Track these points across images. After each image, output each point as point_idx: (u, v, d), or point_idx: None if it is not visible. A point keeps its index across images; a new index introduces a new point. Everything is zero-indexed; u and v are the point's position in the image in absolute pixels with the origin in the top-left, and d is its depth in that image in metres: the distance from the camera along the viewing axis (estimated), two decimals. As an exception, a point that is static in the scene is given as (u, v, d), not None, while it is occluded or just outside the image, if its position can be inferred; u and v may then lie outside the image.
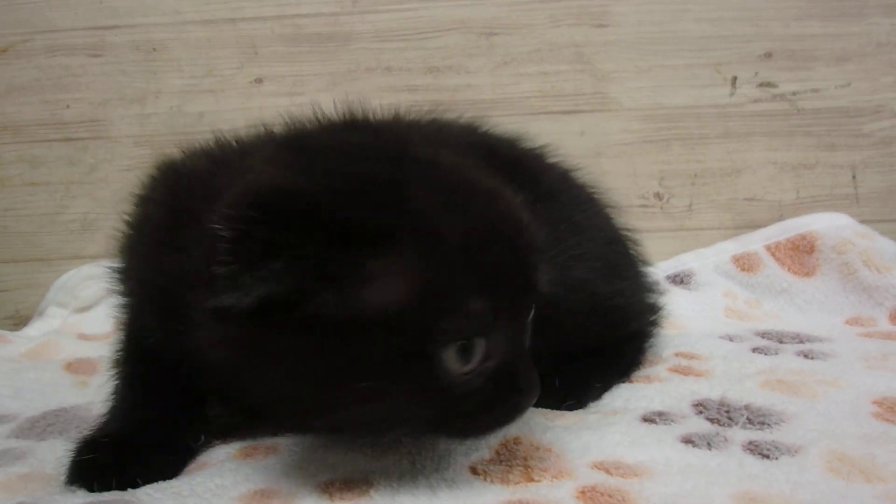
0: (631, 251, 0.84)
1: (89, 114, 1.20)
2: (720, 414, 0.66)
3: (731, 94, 1.20)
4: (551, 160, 0.82)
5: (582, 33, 1.19)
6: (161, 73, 1.19)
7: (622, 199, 1.15)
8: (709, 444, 0.60)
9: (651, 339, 0.84)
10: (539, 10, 1.18)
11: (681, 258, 1.17)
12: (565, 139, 1.18)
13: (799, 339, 0.92)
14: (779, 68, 1.19)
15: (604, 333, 0.75)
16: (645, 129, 1.20)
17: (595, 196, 0.83)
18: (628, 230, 0.85)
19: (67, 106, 1.20)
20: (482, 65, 1.19)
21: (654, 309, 0.84)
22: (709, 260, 1.16)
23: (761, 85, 1.20)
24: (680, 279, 1.13)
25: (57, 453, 0.59)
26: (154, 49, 1.19)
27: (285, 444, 0.61)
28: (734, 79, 1.19)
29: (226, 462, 0.58)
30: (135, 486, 0.53)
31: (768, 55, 1.19)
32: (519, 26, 1.19)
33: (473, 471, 0.54)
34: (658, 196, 1.21)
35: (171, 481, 0.55)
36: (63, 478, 0.55)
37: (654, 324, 0.84)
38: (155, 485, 0.54)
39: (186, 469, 0.58)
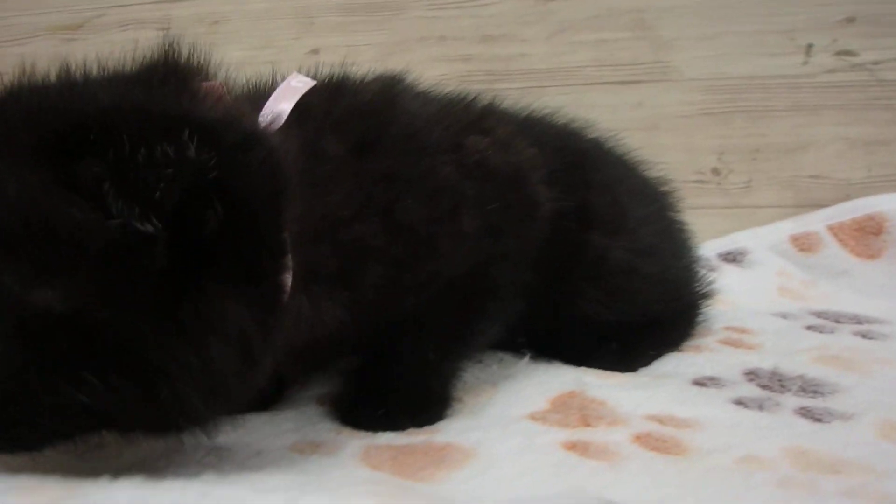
0: (682, 231, 0.89)
1: (157, 83, 1.29)
2: (772, 382, 0.70)
3: (804, 64, 1.19)
4: (608, 147, 0.87)
5: (642, -1, 1.22)
6: (222, 45, 1.26)
7: (677, 174, 1.19)
8: (760, 406, 0.64)
9: (701, 313, 0.88)
10: (597, -25, 1.22)
11: (734, 237, 1.20)
12: (620, 111, 1.22)
13: (857, 320, 0.94)
14: (860, 35, 1.17)
15: (660, 304, 0.81)
16: (705, 101, 1.22)
17: (649, 181, 0.88)
18: (679, 213, 0.89)
19: (139, 77, 1.29)
20: (537, 32, 1.24)
21: (704, 284, 0.89)
22: (764, 239, 1.18)
23: (839, 53, 1.18)
24: (732, 257, 1.16)
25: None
26: (216, 21, 1.27)
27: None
28: (809, 46, 1.18)
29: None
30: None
31: (849, 20, 1.17)
32: (577, -9, 1.22)
33: (533, 418, 0.60)
34: (715, 171, 1.24)
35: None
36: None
37: (705, 298, 0.88)
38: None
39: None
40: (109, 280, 0.41)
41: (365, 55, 1.26)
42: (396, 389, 0.63)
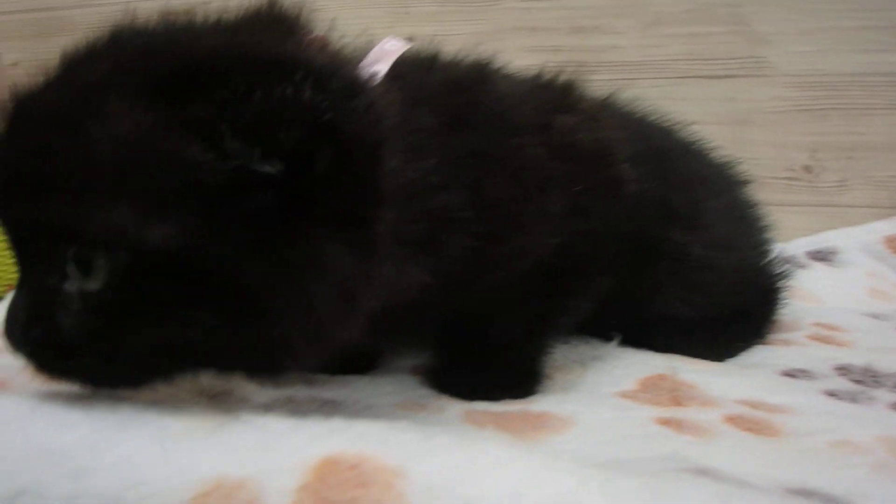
0: (756, 218, 0.89)
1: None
2: (865, 377, 0.71)
3: (909, 61, 1.16)
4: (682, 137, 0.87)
5: (740, -7, 1.22)
6: (319, 32, 1.32)
7: (767, 171, 1.20)
8: (853, 398, 0.65)
9: (780, 301, 0.88)
10: (693, -31, 1.23)
11: (825, 235, 1.18)
12: (711, 105, 1.23)
13: (957, 324, 0.93)
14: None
15: (739, 295, 0.81)
16: (800, 97, 1.22)
17: (722, 169, 0.88)
18: (750, 198, 0.89)
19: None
20: (630, 25, 1.25)
21: (779, 271, 0.89)
22: (857, 239, 1.16)
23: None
24: (822, 256, 1.15)
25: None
26: (313, 10, 1.31)
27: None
28: (915, 43, 1.15)
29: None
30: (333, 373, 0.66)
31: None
32: (671, -15, 1.23)
33: (624, 395, 0.63)
34: (807, 169, 1.23)
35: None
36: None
37: (782, 285, 0.88)
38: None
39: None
40: (222, 219, 0.42)
41: (457, 43, 1.28)
42: (489, 363, 0.65)
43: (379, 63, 0.57)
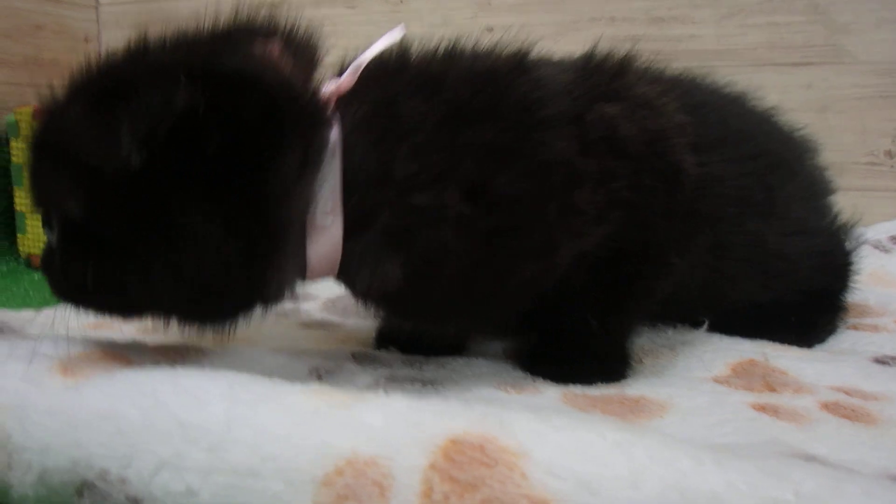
0: (825, 195, 0.85)
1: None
2: (961, 365, 0.69)
3: None
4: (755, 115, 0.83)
5: (819, -18, 1.19)
6: (404, 23, 1.33)
7: (847, 156, 1.17)
8: (952, 388, 0.63)
9: (852, 279, 0.84)
10: (773, -41, 1.20)
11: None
12: (790, 92, 1.20)
13: None
14: None
15: (814, 279, 0.79)
16: (880, 84, 1.19)
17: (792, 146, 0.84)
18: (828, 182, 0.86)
19: (327, 51, 1.37)
20: (708, 15, 1.23)
21: (849, 249, 0.85)
22: (942, 225, 1.13)
23: None
24: (906, 241, 1.12)
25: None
26: (400, 1, 1.33)
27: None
28: None
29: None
30: (427, 354, 0.68)
31: None
32: (750, -24, 1.21)
33: (717, 380, 0.62)
34: (889, 154, 1.20)
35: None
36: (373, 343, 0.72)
37: (852, 262, 0.85)
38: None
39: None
40: (116, 196, 0.51)
41: (537, 34, 1.28)
42: (574, 347, 0.65)
43: (371, 51, 0.60)
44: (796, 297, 0.77)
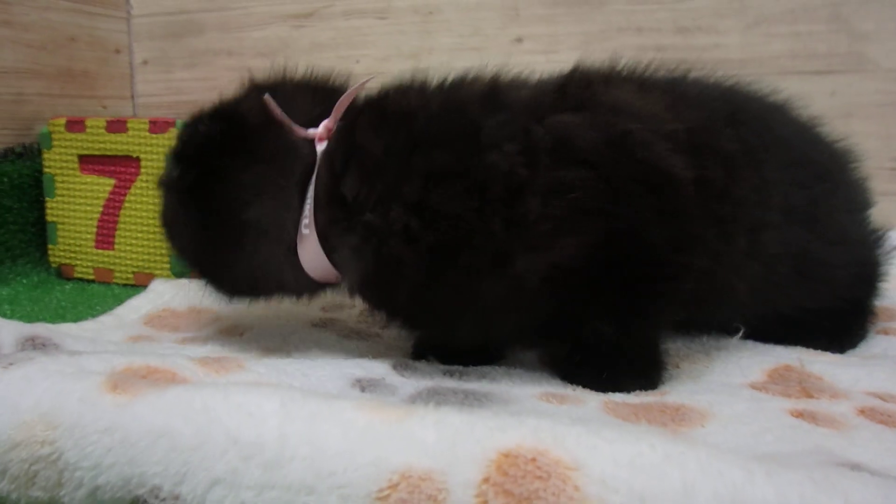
0: (864, 205, 0.83)
1: (374, 67, 1.37)
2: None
3: None
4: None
5: (840, -8, 1.18)
6: (434, 33, 1.33)
7: (872, 161, 1.15)
8: (977, 390, 0.63)
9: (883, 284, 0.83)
10: (796, -30, 1.19)
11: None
12: (814, 99, 1.16)
13: None
14: None
15: (855, 288, 0.78)
16: (902, 91, 1.17)
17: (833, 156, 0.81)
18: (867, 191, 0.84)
19: (357, 61, 1.38)
20: (732, 25, 1.22)
21: (885, 262, 0.83)
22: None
23: None
24: (929, 245, 1.10)
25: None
26: (430, 12, 1.33)
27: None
28: None
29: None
30: (466, 363, 0.69)
31: None
32: (773, -14, 1.20)
33: (754, 387, 0.62)
34: (912, 160, 1.18)
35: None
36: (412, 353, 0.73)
37: (885, 267, 0.83)
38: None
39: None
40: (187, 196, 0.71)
41: (565, 44, 1.28)
42: (604, 355, 0.63)
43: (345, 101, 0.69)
44: (830, 303, 0.76)
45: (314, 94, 0.71)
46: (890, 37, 1.17)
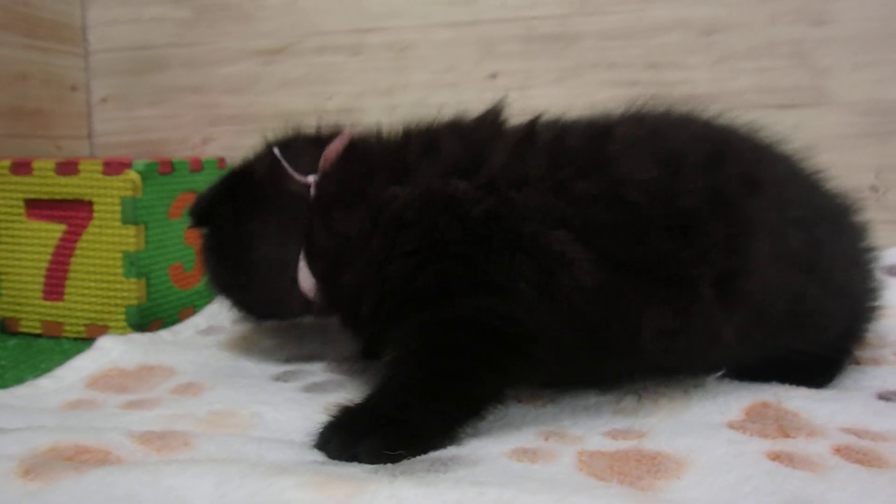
0: (865, 251, 0.79)
1: (347, 104, 1.35)
2: (961, 396, 0.67)
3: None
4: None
5: (800, 31, 1.19)
6: (409, 69, 1.32)
7: (835, 191, 1.15)
8: (948, 421, 0.61)
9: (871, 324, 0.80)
10: (759, 10, 1.20)
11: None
12: (779, 132, 1.19)
13: None
14: None
15: (851, 336, 0.76)
16: (862, 123, 1.18)
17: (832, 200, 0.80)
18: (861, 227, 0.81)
19: (330, 98, 1.36)
20: (700, 61, 1.22)
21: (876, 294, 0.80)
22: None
23: None
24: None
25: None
26: (404, 48, 1.31)
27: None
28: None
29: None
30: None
31: None
32: (738, 25, 1.21)
33: (732, 426, 0.60)
34: (874, 189, 1.19)
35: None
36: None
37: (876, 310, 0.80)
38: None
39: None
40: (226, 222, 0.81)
41: (540, 79, 1.28)
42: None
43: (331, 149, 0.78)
44: (818, 349, 0.72)
45: (323, 146, 0.78)
46: (847, 71, 1.18)
